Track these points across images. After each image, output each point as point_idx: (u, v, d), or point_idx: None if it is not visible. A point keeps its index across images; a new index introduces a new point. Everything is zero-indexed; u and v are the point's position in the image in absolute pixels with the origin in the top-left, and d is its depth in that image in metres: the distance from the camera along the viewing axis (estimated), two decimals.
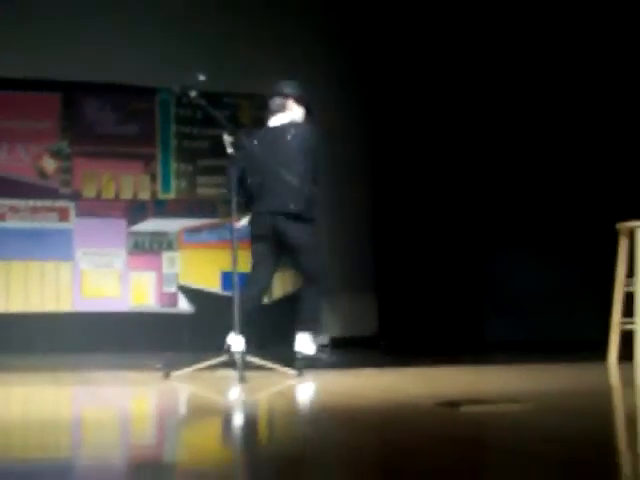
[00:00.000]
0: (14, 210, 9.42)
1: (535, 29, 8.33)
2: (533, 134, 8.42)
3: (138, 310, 9.51)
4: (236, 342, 4.88)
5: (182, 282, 9.77)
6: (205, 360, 5.01)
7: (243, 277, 6.21)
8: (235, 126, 5.59)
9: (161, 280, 9.71)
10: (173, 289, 9.77)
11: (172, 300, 9.76)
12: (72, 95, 9.72)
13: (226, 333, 5.71)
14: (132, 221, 9.69)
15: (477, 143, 8.64)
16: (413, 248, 9.41)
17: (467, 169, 8.73)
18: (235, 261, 5.08)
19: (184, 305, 9.77)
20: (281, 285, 10.17)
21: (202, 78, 5.32)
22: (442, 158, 8.97)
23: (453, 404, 3.35)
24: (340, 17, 10.48)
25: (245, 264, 6.25)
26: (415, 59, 9.38)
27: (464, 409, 3.27)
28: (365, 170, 10.31)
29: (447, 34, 8.90)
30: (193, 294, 9.78)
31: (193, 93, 5.38)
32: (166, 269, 9.72)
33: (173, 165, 9.97)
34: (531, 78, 8.39)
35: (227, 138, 5.20)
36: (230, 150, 5.17)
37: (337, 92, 10.38)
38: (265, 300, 10.02)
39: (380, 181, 10.10)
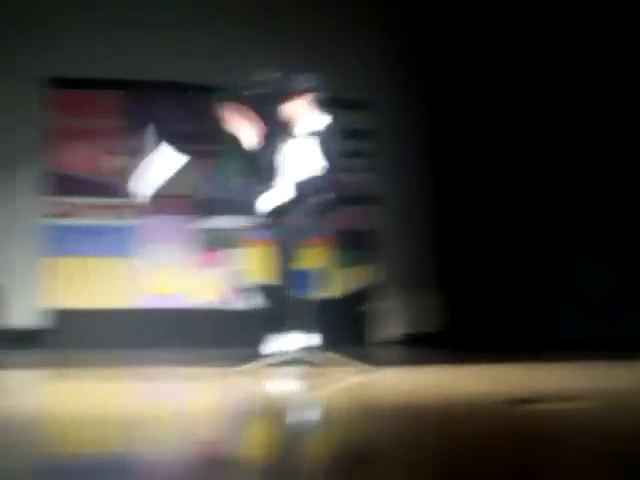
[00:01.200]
0: (79, 207, 9.52)
1: (609, 30, 8.20)
2: (607, 130, 8.29)
3: (204, 306, 9.56)
4: (307, 339, 4.87)
5: (246, 279, 9.78)
6: (270, 357, 5.01)
7: (314, 275, 6.22)
8: None
9: (228, 276, 9.73)
10: (237, 285, 9.80)
11: (235, 296, 9.79)
12: (137, 93, 9.79)
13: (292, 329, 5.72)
14: (199, 217, 9.71)
15: (552, 135, 8.52)
16: (480, 243, 9.32)
17: (538, 161, 8.61)
18: (298, 258, 5.06)
19: (252, 301, 9.79)
20: (347, 282, 10.15)
21: (259, 78, 5.32)
22: (512, 149, 8.86)
23: (519, 402, 3.30)
24: (404, 18, 10.45)
25: (313, 261, 6.28)
26: (481, 58, 9.28)
27: (529, 407, 3.22)
28: (429, 164, 10.24)
29: (515, 33, 8.80)
30: (257, 291, 9.78)
31: (247, 93, 5.38)
32: (229, 265, 9.74)
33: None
34: (601, 76, 8.26)
35: None
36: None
37: (397, 89, 10.35)
38: (331, 297, 10.07)
39: (446, 175, 10.00)
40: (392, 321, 10.23)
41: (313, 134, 6.04)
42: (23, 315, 9.29)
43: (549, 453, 2.35)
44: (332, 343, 6.45)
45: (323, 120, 6.09)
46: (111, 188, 9.60)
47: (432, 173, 10.23)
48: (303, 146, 5.96)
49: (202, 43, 9.66)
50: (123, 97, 9.73)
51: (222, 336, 9.16)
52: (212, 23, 9.77)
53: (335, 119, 6.36)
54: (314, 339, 5.22)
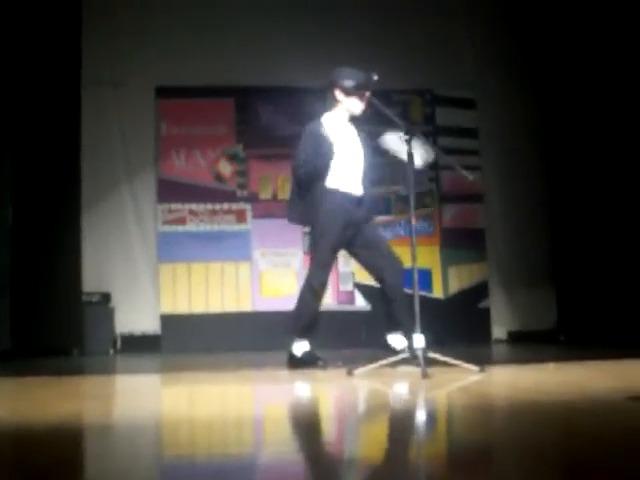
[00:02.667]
0: (193, 214, 9.70)
1: None
2: None
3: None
4: (417, 339, 4.88)
5: (358, 280, 9.83)
6: (385, 357, 5.03)
7: (421, 274, 6.21)
8: (408, 123, 5.55)
9: (337, 278, 9.79)
10: (350, 287, 9.85)
11: (349, 298, 9.84)
12: (245, 100, 9.93)
13: (400, 330, 5.74)
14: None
15: None
16: (591, 238, 9.16)
17: None
18: (414, 258, 5.07)
19: (361, 302, 9.84)
20: (457, 280, 10.12)
21: (375, 78, 5.35)
22: (622, 144, 8.69)
23: None
24: (506, 10, 10.36)
25: (423, 260, 6.26)
26: (588, 56, 9.13)
27: None
28: (540, 162, 10.13)
29: (621, 32, 8.63)
30: (369, 291, 9.82)
31: (367, 93, 5.41)
32: (342, 267, 9.80)
33: None
34: None
35: (402, 136, 5.19)
36: (406, 148, 5.16)
37: (505, 87, 10.26)
38: (441, 296, 10.05)
39: (556, 171, 9.88)
40: (505, 319, 10.16)
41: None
42: (141, 320, 9.49)
43: None
44: (445, 342, 6.46)
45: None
46: (226, 194, 9.77)
47: (542, 170, 10.11)
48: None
49: (309, 46, 9.74)
50: (233, 104, 9.88)
51: (337, 337, 9.21)
52: (316, 28, 9.82)
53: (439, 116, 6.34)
54: (427, 339, 5.21)
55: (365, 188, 5.96)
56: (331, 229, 5.76)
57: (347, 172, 5.88)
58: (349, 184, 5.87)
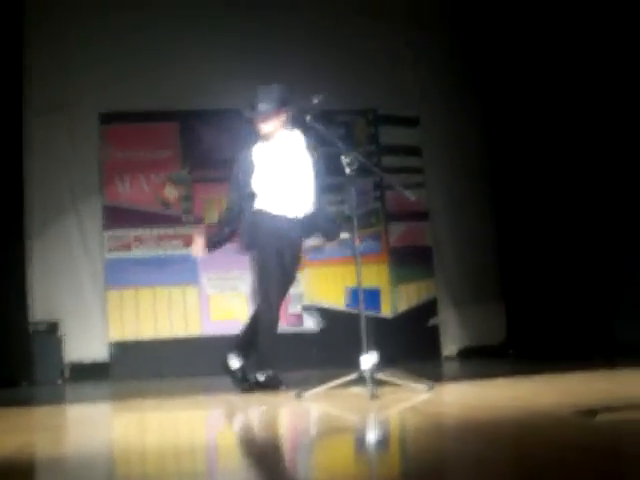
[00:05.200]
0: (139, 240, 9.65)
1: None
2: None
3: None
4: (365, 360, 4.90)
5: (307, 301, 9.84)
6: (335, 378, 5.04)
7: (369, 293, 6.26)
8: (351, 145, 5.61)
9: (287, 301, 9.78)
10: (298, 309, 9.85)
11: (298, 320, 9.83)
12: (189, 123, 9.92)
13: (352, 350, 5.75)
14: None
15: (606, 137, 8.42)
16: (539, 252, 9.25)
17: (593, 166, 8.53)
18: (360, 276, 5.10)
19: (309, 324, 9.84)
20: (406, 298, 10.16)
21: (316, 101, 5.38)
22: (566, 155, 8.77)
23: (589, 412, 3.29)
24: (450, 29, 10.46)
25: (371, 279, 6.31)
26: (532, 55, 9.23)
27: (601, 417, 3.20)
28: (485, 178, 10.22)
29: (566, 31, 8.74)
30: (318, 313, 9.84)
31: (308, 117, 5.44)
32: (291, 289, 9.79)
33: None
34: None
35: (344, 159, 5.22)
36: (348, 170, 5.19)
37: (448, 105, 10.34)
38: (390, 314, 10.09)
39: (502, 185, 9.96)
40: (455, 335, 10.21)
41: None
42: (90, 348, 9.41)
43: (624, 464, 2.36)
44: (395, 360, 6.48)
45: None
46: (171, 218, 9.74)
47: (487, 187, 10.20)
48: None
49: (252, 69, 9.76)
50: (177, 128, 9.85)
51: (287, 359, 9.20)
52: (261, 48, 9.84)
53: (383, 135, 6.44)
54: (377, 357, 5.24)
55: (316, 207, 6.02)
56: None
57: (280, 194, 5.93)
58: (282, 206, 5.92)
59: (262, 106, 5.93)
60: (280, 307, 6.05)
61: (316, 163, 6.11)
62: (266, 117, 5.95)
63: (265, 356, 5.90)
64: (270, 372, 5.88)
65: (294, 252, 6.06)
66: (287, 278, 6.12)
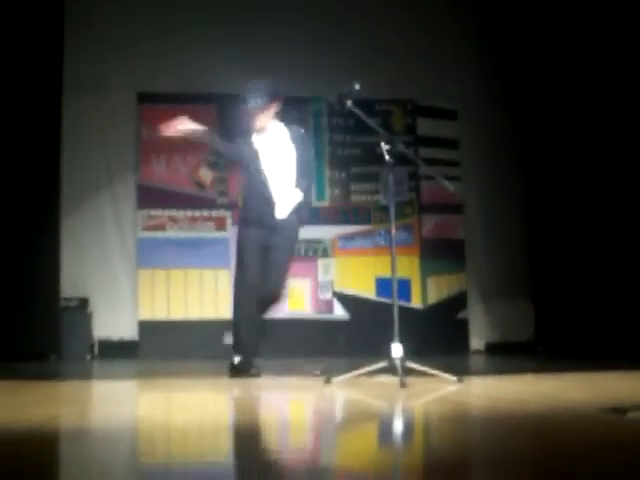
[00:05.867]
0: (173, 220, 9.68)
1: None
2: None
3: (295, 316, 9.60)
4: (395, 348, 4.89)
5: (337, 289, 9.84)
6: (363, 366, 5.03)
7: (401, 284, 6.24)
8: (390, 133, 5.58)
9: (316, 287, 9.80)
10: (329, 296, 9.85)
11: (328, 307, 9.83)
12: (227, 106, 9.90)
13: (380, 338, 5.73)
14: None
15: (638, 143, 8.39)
16: (569, 249, 9.20)
17: (627, 164, 8.47)
18: (394, 267, 5.09)
19: (339, 311, 9.84)
20: (436, 290, 10.14)
21: (358, 87, 5.35)
22: (601, 153, 8.73)
23: (618, 410, 3.26)
24: (490, 24, 10.41)
25: (402, 270, 6.30)
26: (570, 71, 9.17)
27: (631, 415, 3.18)
28: (520, 174, 10.16)
29: (602, 48, 8.68)
30: (348, 300, 9.83)
31: (349, 102, 5.42)
32: (321, 276, 9.81)
33: (327, 173, 10.07)
34: None
35: (384, 146, 5.20)
36: (387, 157, 5.17)
37: (486, 99, 10.30)
38: (420, 305, 10.07)
39: (535, 184, 9.92)
40: (483, 330, 10.18)
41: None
42: (119, 326, 9.46)
43: None
44: (423, 352, 6.46)
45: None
46: (206, 200, 9.75)
47: (522, 182, 10.15)
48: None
49: (293, 55, 9.76)
50: (215, 110, 9.84)
51: (316, 346, 9.22)
52: (311, 38, 9.84)
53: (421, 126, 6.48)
54: (406, 349, 5.22)
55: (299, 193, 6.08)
56: None
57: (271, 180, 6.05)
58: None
59: (253, 100, 5.99)
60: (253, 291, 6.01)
61: (303, 155, 6.17)
62: (258, 110, 6.02)
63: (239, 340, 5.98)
64: (241, 357, 5.93)
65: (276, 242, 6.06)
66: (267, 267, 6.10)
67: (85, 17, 9.63)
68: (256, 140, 6.12)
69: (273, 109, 6.12)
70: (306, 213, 6.27)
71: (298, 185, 6.11)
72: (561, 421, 3.20)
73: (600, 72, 8.69)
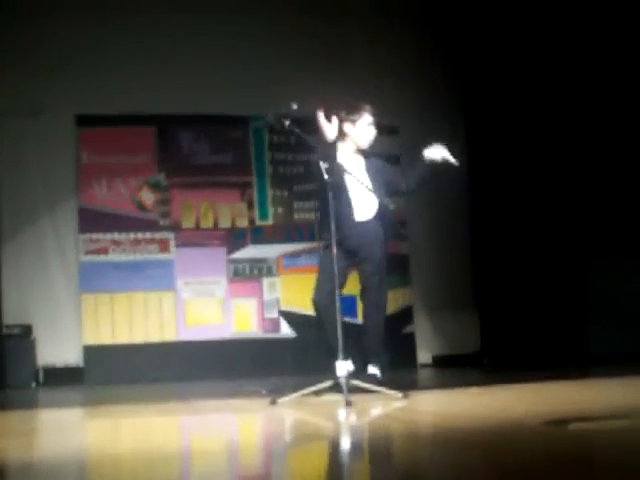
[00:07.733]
0: (116, 243, 9.60)
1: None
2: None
3: (241, 337, 9.58)
4: (340, 367, 4.90)
5: (283, 307, 9.82)
6: (309, 385, 5.03)
7: (346, 300, 6.25)
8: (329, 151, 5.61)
9: (262, 306, 9.78)
10: (275, 314, 9.83)
11: (274, 325, 9.81)
12: (166, 128, 9.88)
13: (327, 356, 5.72)
14: (231, 249, 9.79)
15: (579, 151, 8.49)
16: (513, 262, 9.30)
17: (567, 179, 8.59)
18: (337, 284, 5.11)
19: (286, 330, 9.82)
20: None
21: (295, 107, 5.36)
22: (541, 168, 8.84)
23: (561, 422, 3.30)
24: (433, 42, 10.48)
25: (348, 286, 6.34)
26: (513, 81, 9.27)
27: (573, 427, 3.21)
28: (462, 188, 10.22)
29: (548, 57, 8.79)
30: (294, 319, 9.82)
31: (287, 122, 5.43)
32: (267, 295, 9.79)
33: (269, 192, 10.06)
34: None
35: (322, 164, 5.23)
36: (326, 176, 5.20)
37: (427, 114, 10.34)
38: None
39: (477, 195, 10.00)
40: (430, 343, 10.22)
41: None
42: (64, 352, 9.36)
43: (595, 474, 2.37)
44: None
45: None
46: (148, 222, 9.69)
47: (465, 196, 10.22)
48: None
49: (230, 74, 9.75)
50: (154, 132, 9.80)
51: (263, 365, 9.20)
52: (248, 56, 9.82)
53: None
54: (352, 365, 5.25)
55: None
56: None
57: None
58: None
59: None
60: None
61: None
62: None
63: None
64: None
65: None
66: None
67: (21, 39, 9.50)
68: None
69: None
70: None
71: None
72: (505, 435, 3.23)
73: (539, 88, 8.80)
